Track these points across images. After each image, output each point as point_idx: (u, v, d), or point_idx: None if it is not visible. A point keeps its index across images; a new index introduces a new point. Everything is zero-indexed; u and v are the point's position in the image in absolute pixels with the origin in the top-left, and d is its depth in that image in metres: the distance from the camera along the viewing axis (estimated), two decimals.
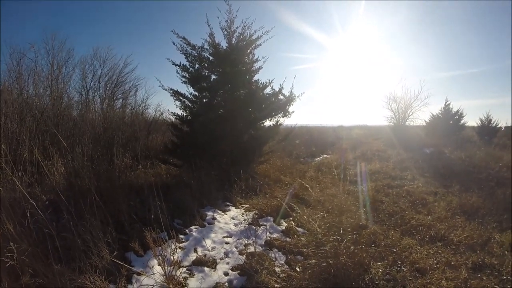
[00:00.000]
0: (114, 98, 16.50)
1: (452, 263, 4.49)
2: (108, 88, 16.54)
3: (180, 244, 4.88)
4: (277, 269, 4.29)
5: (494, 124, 26.66)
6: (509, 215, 6.44)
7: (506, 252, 4.85)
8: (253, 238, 4.97)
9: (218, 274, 4.14)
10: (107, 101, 15.15)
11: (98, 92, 15.99)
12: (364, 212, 6.65)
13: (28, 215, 3.73)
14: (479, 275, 4.18)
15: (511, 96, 69.07)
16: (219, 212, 6.53)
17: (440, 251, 4.89)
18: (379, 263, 4.35)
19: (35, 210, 3.73)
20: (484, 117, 27.04)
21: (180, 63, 9.04)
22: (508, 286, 3.94)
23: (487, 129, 26.48)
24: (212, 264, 4.41)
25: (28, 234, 3.57)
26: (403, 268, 4.34)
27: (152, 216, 4.78)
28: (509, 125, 30.36)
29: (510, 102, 69.92)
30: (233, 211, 6.73)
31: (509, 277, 4.14)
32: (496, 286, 3.94)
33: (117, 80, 17.00)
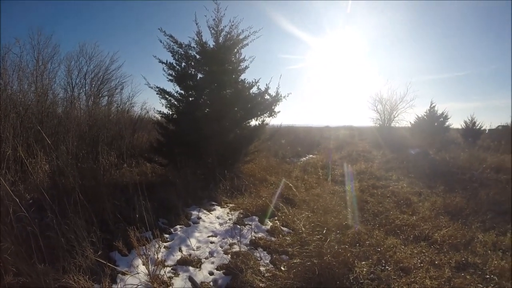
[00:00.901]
0: (100, 95, 16.41)
1: (436, 262, 4.54)
2: (93, 85, 16.46)
3: (165, 244, 4.86)
4: (262, 268, 4.30)
5: (478, 127, 27.09)
6: (492, 215, 6.55)
7: (489, 251, 4.92)
8: (238, 237, 4.98)
9: (203, 274, 4.14)
10: (92, 98, 15.04)
11: (84, 89, 15.89)
12: (350, 211, 6.69)
13: (11, 213, 3.69)
14: (462, 274, 4.23)
15: (511, 97, 70.43)
16: (204, 211, 6.52)
17: (424, 251, 4.94)
18: (363, 262, 4.39)
19: (18, 208, 3.69)
20: (468, 119, 27.52)
21: (166, 61, 9.00)
22: (491, 285, 4.00)
23: (471, 131, 26.89)
24: (197, 263, 4.40)
25: (11, 233, 3.53)
26: (387, 267, 4.38)
27: (137, 215, 4.77)
28: (493, 127, 30.90)
29: (510, 104, 71.38)
30: (219, 211, 6.73)
31: (492, 276, 4.20)
32: (480, 285, 3.99)
33: (103, 77, 16.95)
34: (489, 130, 30.43)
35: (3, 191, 4.06)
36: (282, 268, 4.30)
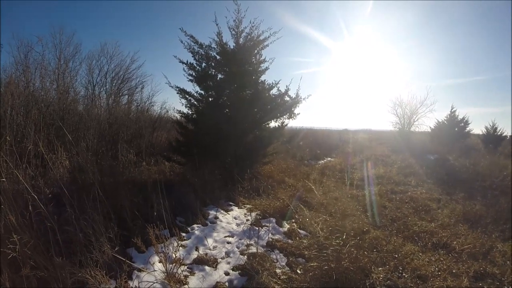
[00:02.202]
0: (120, 94, 16.62)
1: (454, 271, 4.45)
2: (114, 84, 16.67)
3: (182, 242, 4.87)
4: (278, 270, 4.27)
5: (499, 133, 26.60)
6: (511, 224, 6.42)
7: (508, 261, 4.82)
8: (255, 238, 4.97)
9: (218, 274, 4.13)
10: (113, 97, 15.23)
11: (104, 88, 16.11)
12: (371, 215, 6.64)
13: (31, 207, 3.73)
14: (480, 284, 4.15)
15: (511, 105, 68.94)
16: (222, 211, 6.53)
17: (442, 259, 4.85)
18: (380, 269, 4.33)
19: (37, 202, 3.72)
20: (490, 125, 27.07)
21: (187, 61, 9.04)
22: None
23: (492, 138, 26.42)
24: (213, 263, 4.40)
25: (30, 227, 3.57)
26: (404, 274, 4.32)
27: (155, 213, 4.79)
28: None
29: (510, 112, 69.80)
30: (236, 211, 6.72)
31: (510, 287, 4.11)
32: None
33: (123, 76, 17.14)
34: (511, 136, 29.86)
35: (23, 185, 4.11)
36: (298, 271, 4.27)
